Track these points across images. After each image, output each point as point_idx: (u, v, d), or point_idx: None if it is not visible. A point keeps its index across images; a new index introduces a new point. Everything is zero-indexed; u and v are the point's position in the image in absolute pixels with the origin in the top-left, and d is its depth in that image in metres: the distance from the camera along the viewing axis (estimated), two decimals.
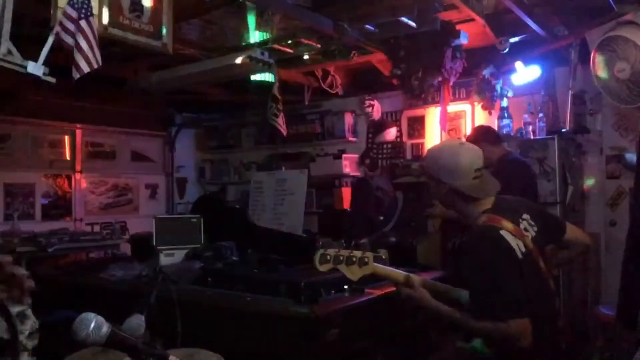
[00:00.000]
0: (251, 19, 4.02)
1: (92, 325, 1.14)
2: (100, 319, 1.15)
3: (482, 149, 2.08)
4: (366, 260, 2.01)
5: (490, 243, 1.88)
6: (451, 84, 4.90)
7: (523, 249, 1.89)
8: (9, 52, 2.54)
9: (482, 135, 3.79)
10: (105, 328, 1.14)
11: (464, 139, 3.70)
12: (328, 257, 2.03)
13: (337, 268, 2.04)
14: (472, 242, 1.95)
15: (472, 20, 4.12)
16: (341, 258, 2.02)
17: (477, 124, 5.06)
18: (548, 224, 2.10)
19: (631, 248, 2.66)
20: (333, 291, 2.70)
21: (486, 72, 4.89)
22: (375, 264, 2.03)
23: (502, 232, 1.88)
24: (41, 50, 2.64)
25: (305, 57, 4.94)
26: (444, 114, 5.09)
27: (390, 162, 5.91)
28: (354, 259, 2.02)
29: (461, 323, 1.89)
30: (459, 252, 3.53)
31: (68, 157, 6.33)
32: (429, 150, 2.20)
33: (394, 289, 2.18)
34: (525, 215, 2.01)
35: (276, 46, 4.49)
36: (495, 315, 1.78)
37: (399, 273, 2.11)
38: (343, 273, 2.07)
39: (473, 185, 1.99)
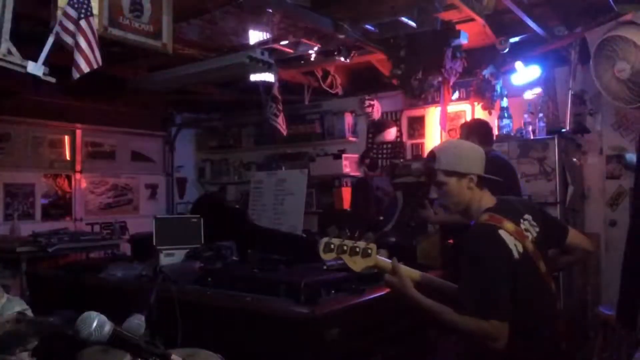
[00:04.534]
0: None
1: (95, 324, 1.13)
2: (103, 317, 1.15)
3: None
4: (369, 251, 1.99)
5: (487, 241, 1.88)
6: (451, 84, 4.90)
7: (521, 250, 1.88)
8: (9, 52, 2.54)
9: (476, 128, 3.78)
10: (108, 327, 1.14)
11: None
12: (332, 246, 2.00)
13: (340, 257, 2.01)
14: (470, 239, 1.94)
15: (472, 20, 4.12)
16: (345, 248, 1.99)
17: None
18: (550, 226, 2.10)
19: (631, 248, 2.66)
20: (333, 291, 2.70)
21: (486, 72, 4.89)
22: (378, 256, 2.02)
23: (501, 232, 1.88)
24: (41, 50, 2.64)
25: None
26: (444, 114, 5.09)
27: (390, 162, 5.91)
28: (358, 250, 1.99)
29: (441, 316, 1.87)
30: (456, 250, 3.53)
31: (68, 157, 6.33)
32: (440, 150, 2.11)
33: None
34: (527, 216, 2.01)
35: (276, 46, 4.49)
36: (480, 313, 1.78)
37: (389, 262, 2.10)
38: (346, 263, 2.04)
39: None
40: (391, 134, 5.96)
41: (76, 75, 2.68)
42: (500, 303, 1.79)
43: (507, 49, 4.51)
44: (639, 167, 2.84)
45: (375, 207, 5.27)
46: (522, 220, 1.98)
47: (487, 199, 2.04)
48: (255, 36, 4.30)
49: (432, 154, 2.09)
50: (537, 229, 1.99)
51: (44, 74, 2.63)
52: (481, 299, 1.79)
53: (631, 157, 4.27)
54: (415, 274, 2.09)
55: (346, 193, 6.02)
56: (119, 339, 1.16)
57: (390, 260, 2.03)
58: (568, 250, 2.17)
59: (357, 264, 2.00)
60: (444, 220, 3.55)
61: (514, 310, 1.80)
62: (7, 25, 2.50)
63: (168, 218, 4.99)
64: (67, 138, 6.33)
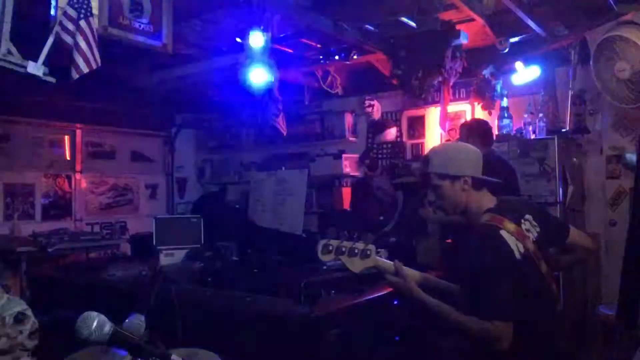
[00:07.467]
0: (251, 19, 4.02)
1: (95, 324, 1.13)
2: (103, 317, 1.15)
3: (472, 143, 2.09)
4: (368, 252, 1.98)
5: (488, 242, 1.87)
6: (451, 84, 4.91)
7: (522, 250, 1.88)
8: (9, 52, 2.54)
9: (476, 128, 3.78)
10: (108, 327, 1.14)
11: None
12: (330, 248, 1.99)
13: (339, 259, 2.01)
14: (471, 240, 1.94)
15: (472, 20, 4.12)
16: (343, 249, 1.99)
17: None
18: (551, 226, 2.09)
19: (631, 248, 2.66)
20: (333, 291, 2.71)
21: (486, 72, 4.89)
22: (377, 257, 2.02)
23: (502, 233, 1.88)
24: (41, 50, 2.64)
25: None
26: (444, 114, 5.10)
27: (390, 162, 5.91)
28: (356, 251, 1.99)
29: (446, 315, 1.88)
30: (455, 249, 3.54)
31: (68, 157, 6.33)
32: (432, 153, 2.11)
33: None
34: (527, 216, 2.00)
35: (276, 46, 4.48)
36: (483, 314, 1.78)
37: (391, 264, 2.09)
38: (345, 265, 2.03)
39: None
40: (391, 134, 5.97)
41: (75, 75, 2.68)
42: (502, 304, 1.78)
43: (507, 49, 4.51)
44: (639, 167, 2.84)
45: (375, 207, 5.27)
46: (523, 221, 1.97)
47: (487, 200, 2.03)
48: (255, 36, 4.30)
49: (426, 157, 2.09)
50: (538, 229, 1.99)
51: (44, 74, 2.64)
52: (484, 301, 1.79)
53: (631, 157, 4.25)
54: (416, 274, 2.09)
55: (346, 193, 6.02)
56: (119, 339, 1.16)
57: (391, 262, 2.03)
58: (569, 249, 2.17)
59: (356, 265, 2.00)
60: (443, 219, 3.55)
61: (514, 311, 1.80)
62: (7, 26, 2.50)
63: (168, 218, 5.00)
64: (67, 138, 6.33)
